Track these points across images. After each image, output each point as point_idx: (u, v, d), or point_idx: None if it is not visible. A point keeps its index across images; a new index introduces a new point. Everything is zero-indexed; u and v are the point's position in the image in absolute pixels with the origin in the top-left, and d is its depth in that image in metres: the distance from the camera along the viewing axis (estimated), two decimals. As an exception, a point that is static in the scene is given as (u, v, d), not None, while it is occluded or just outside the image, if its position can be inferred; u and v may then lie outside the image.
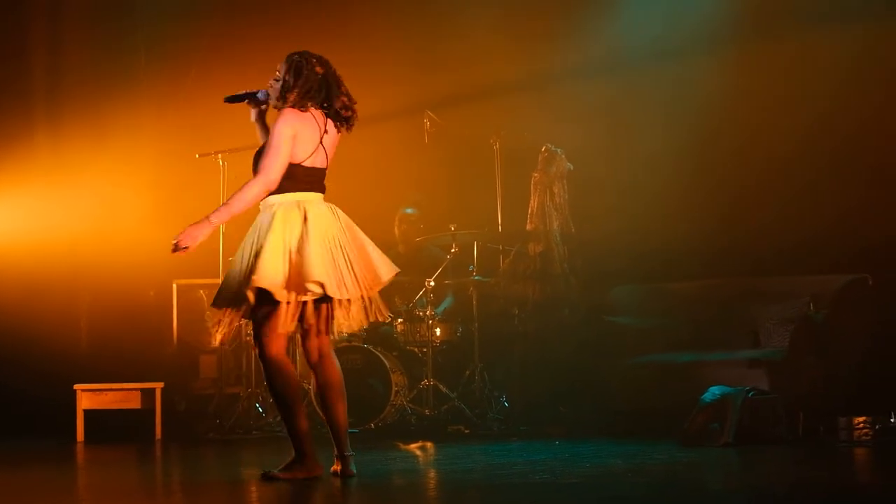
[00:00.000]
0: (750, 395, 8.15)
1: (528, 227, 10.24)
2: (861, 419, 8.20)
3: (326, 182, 6.82)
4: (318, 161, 6.74)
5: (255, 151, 6.79)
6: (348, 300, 6.66)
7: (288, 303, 6.52)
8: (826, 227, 9.92)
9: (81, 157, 11.49)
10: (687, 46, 10.54)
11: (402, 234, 10.88)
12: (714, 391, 8.27)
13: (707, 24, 10.51)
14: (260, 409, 10.24)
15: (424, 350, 10.10)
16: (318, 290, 6.52)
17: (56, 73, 11.85)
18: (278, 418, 10.05)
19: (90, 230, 11.33)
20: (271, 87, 6.82)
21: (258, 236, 6.60)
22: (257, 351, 6.64)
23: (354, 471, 6.76)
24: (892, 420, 8.21)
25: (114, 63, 11.67)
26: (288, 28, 11.23)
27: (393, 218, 10.96)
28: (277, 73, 6.82)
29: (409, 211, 10.93)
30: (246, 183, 6.63)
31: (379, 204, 10.97)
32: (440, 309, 10.29)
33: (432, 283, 10.10)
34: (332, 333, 6.80)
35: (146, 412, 10.17)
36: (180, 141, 11.06)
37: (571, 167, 10.24)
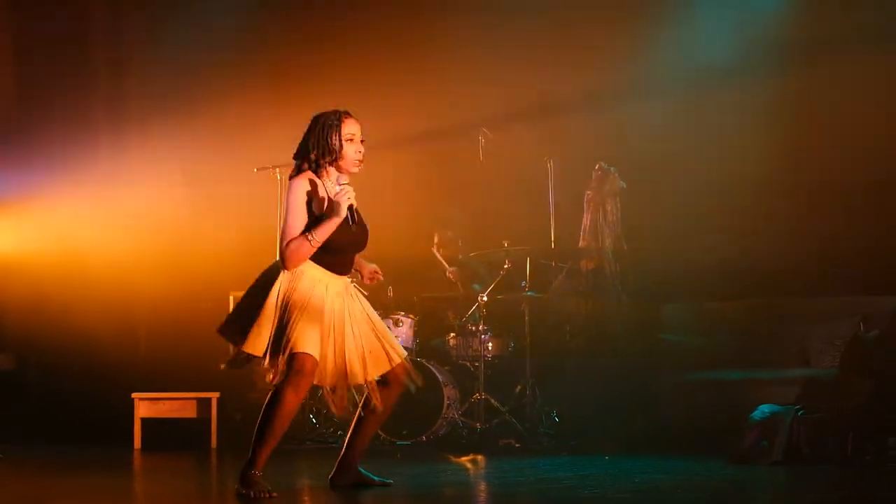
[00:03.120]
0: (799, 413, 8.16)
1: (581, 244, 10.29)
2: (911, 439, 8.20)
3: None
4: None
5: None
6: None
7: None
8: (877, 248, 9.93)
9: (141, 170, 11.65)
10: (741, 68, 10.56)
11: (446, 258, 10.91)
12: (764, 409, 8.29)
13: (763, 46, 10.54)
14: (314, 420, 10.34)
15: (476, 364, 10.16)
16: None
17: (118, 89, 12.03)
18: (332, 430, 10.17)
19: (149, 242, 11.47)
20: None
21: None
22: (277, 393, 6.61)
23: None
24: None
25: (173, 77, 11.81)
26: (342, 49, 11.34)
27: (444, 234, 11.01)
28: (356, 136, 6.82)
29: (446, 234, 10.98)
30: None
31: (433, 221, 11.06)
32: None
33: (485, 299, 10.16)
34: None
35: (202, 421, 10.29)
36: (238, 155, 11.17)
37: (624, 185, 10.28)
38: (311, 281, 6.56)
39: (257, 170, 10.52)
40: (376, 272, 7.07)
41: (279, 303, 6.53)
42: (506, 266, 10.26)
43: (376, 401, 6.79)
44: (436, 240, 10.99)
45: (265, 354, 6.54)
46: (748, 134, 10.48)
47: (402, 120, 11.33)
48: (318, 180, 6.65)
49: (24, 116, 11.97)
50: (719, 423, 8.85)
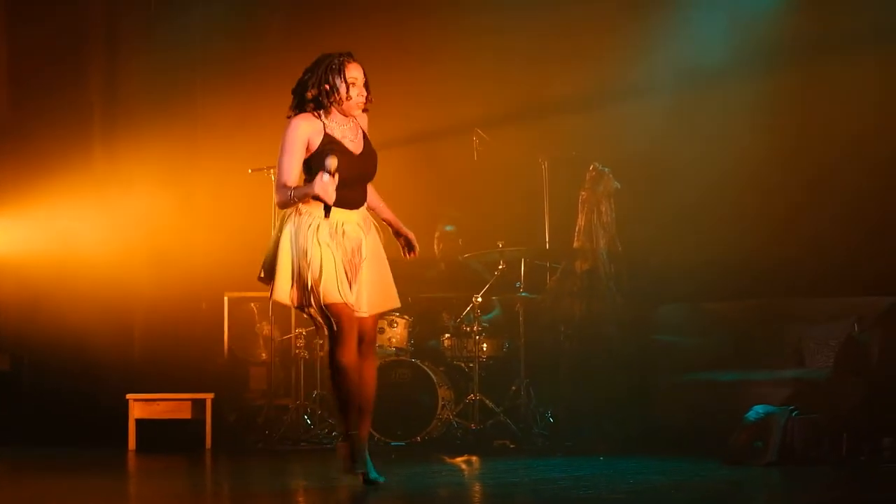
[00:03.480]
0: (794, 414, 8.17)
1: (575, 244, 10.29)
2: (905, 440, 8.22)
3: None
4: None
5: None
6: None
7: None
8: (871, 248, 9.95)
9: (136, 170, 11.64)
10: (735, 68, 10.58)
11: (443, 252, 10.94)
12: (758, 410, 8.29)
13: (757, 47, 10.55)
14: (308, 421, 10.34)
15: (471, 365, 10.16)
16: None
17: (112, 87, 12.02)
18: (326, 430, 10.18)
19: (144, 243, 11.48)
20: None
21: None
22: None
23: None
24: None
25: (169, 78, 11.81)
26: (338, 45, 11.32)
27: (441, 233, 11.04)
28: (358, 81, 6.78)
29: (448, 228, 11.00)
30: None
31: (427, 221, 11.07)
32: (489, 316, 10.37)
33: (479, 299, 10.17)
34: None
35: (197, 422, 10.29)
36: (233, 156, 11.17)
37: (619, 186, 10.28)
38: (316, 221, 6.56)
39: (252, 170, 10.52)
40: (412, 250, 7.13)
41: (292, 248, 6.56)
42: (500, 267, 10.26)
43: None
44: (437, 234, 11.00)
45: (298, 304, 6.61)
46: (742, 134, 10.49)
47: (395, 120, 11.32)
48: (319, 119, 6.65)
49: (18, 116, 11.96)
50: (714, 423, 8.86)
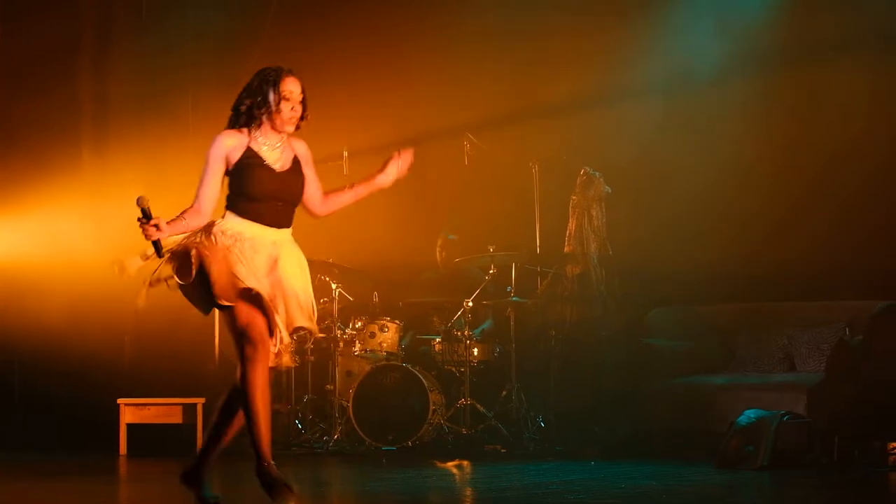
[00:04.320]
0: (785, 418, 8.18)
1: (566, 249, 10.32)
2: (896, 444, 8.23)
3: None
4: None
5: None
6: None
7: None
8: (862, 253, 9.97)
9: (126, 173, 11.63)
10: (727, 72, 10.60)
11: (444, 260, 10.94)
12: (749, 414, 8.30)
13: (748, 50, 10.57)
14: (299, 426, 10.33)
15: (462, 370, 10.17)
16: None
17: (102, 90, 12.02)
18: (318, 435, 10.17)
19: (134, 246, 11.44)
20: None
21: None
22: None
23: None
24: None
25: (159, 82, 11.81)
26: (330, 51, 11.34)
27: (432, 240, 11.04)
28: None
29: (451, 237, 10.99)
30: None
31: (417, 226, 11.08)
32: (478, 331, 10.36)
33: (470, 304, 10.18)
34: None
35: (188, 427, 10.28)
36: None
37: (609, 190, 10.30)
38: (220, 232, 6.25)
39: None
40: (397, 161, 6.85)
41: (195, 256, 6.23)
42: (491, 271, 10.27)
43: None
44: (440, 242, 11.00)
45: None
46: (733, 139, 10.52)
47: (386, 124, 11.34)
48: (245, 135, 6.34)
49: (8, 119, 11.95)
50: (705, 427, 8.87)
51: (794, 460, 8.09)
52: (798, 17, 10.54)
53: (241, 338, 6.09)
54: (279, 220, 6.34)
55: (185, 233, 6.25)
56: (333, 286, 10.27)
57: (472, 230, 11.03)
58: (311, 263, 9.62)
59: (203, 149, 10.78)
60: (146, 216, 6.16)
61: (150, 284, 6.48)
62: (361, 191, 6.69)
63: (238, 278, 6.10)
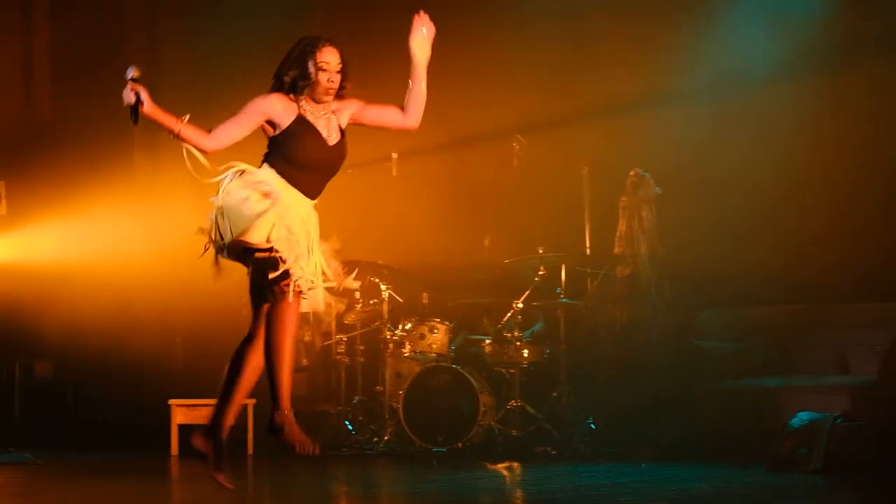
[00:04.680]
0: (838, 421, 8.12)
1: (616, 250, 10.28)
2: (951, 447, 8.16)
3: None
4: None
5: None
6: None
7: None
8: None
9: (177, 177, 11.67)
10: (779, 71, 10.54)
11: (491, 262, 10.93)
12: (802, 416, 8.25)
13: (802, 50, 10.50)
14: (349, 427, 10.35)
15: (512, 371, 10.16)
16: None
17: (153, 95, 12.05)
18: (367, 436, 10.19)
19: (185, 248, 11.50)
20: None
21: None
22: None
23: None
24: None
25: (208, 86, 11.86)
26: (375, 57, 11.35)
27: (481, 240, 11.04)
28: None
29: (500, 236, 10.99)
30: None
31: (467, 227, 11.08)
32: (529, 332, 10.34)
33: (520, 305, 10.17)
34: None
35: (238, 428, 10.29)
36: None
37: (659, 191, 10.26)
38: (263, 184, 6.26)
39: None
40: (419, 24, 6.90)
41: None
42: (540, 272, 10.25)
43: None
44: (487, 242, 11.00)
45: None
46: (785, 139, 10.45)
47: (435, 126, 11.32)
48: (291, 101, 6.38)
49: (60, 124, 12.06)
50: (757, 430, 8.82)
51: (847, 463, 8.02)
52: (849, 15, 10.47)
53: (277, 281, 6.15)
54: (315, 190, 6.39)
55: (168, 127, 6.35)
56: (383, 288, 10.28)
57: (521, 231, 11.02)
58: (360, 265, 9.78)
59: (253, 150, 10.86)
60: (134, 80, 6.21)
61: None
62: (416, 74, 6.78)
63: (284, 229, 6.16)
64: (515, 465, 9.03)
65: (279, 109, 6.35)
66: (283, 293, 6.17)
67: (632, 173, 10.29)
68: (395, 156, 10.58)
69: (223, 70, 11.86)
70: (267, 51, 11.67)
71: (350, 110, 6.52)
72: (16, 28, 12.23)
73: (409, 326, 10.33)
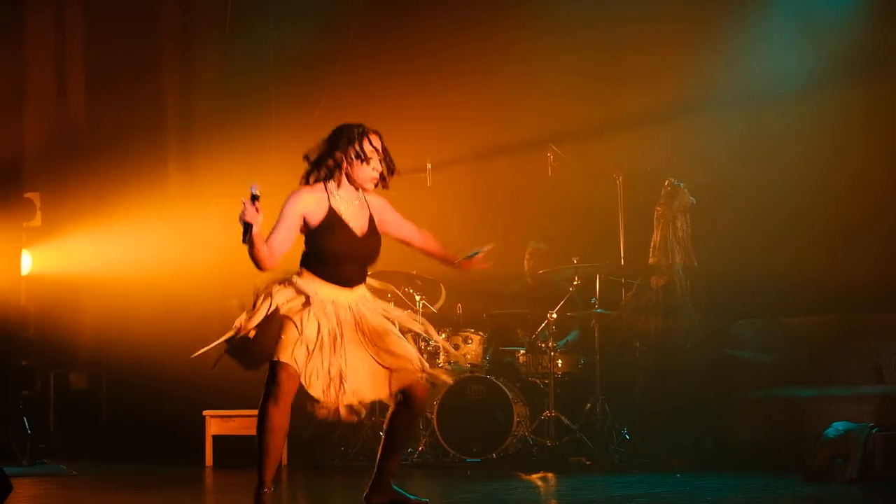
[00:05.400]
0: (874, 430, 8.08)
1: (651, 260, 10.26)
2: None
3: None
4: None
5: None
6: None
7: None
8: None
9: (211, 188, 11.73)
10: (811, 79, 10.51)
11: (531, 269, 10.94)
12: (837, 426, 8.21)
13: (835, 57, 10.46)
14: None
15: (546, 381, 10.15)
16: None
17: (187, 106, 12.15)
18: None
19: (220, 259, 11.55)
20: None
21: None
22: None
23: None
24: None
25: (243, 97, 11.91)
26: (413, 66, 11.38)
27: (515, 251, 11.03)
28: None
29: (540, 246, 10.98)
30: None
31: (501, 237, 11.05)
32: (563, 342, 10.33)
33: (555, 316, 10.16)
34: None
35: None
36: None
37: (694, 201, 10.24)
38: (297, 290, 6.35)
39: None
40: (481, 261, 6.94)
41: (267, 311, 6.42)
42: (575, 283, 10.25)
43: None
44: (528, 250, 11.00)
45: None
46: (818, 148, 10.42)
47: (468, 137, 11.37)
48: (322, 192, 6.42)
49: (95, 135, 12.12)
50: (792, 440, 8.79)
51: (883, 473, 7.98)
52: (881, 23, 10.43)
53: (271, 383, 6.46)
54: (355, 280, 6.47)
55: (255, 251, 6.29)
56: (417, 298, 10.29)
57: (556, 241, 11.01)
58: (394, 275, 9.80)
59: (286, 163, 10.88)
60: (253, 199, 6.22)
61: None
62: (449, 261, 6.92)
63: (303, 345, 6.31)
64: (550, 475, 9.01)
65: (311, 205, 6.39)
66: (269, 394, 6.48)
67: (666, 183, 10.27)
68: (429, 166, 10.60)
69: (256, 80, 11.90)
70: (298, 63, 11.83)
71: (378, 205, 6.60)
72: (50, 38, 12.30)
73: (443, 337, 10.32)
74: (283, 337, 6.34)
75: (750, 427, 9.47)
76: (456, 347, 10.22)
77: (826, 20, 10.65)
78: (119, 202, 11.67)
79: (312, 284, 6.34)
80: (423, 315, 10.37)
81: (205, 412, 10.36)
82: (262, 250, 6.25)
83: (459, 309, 10.53)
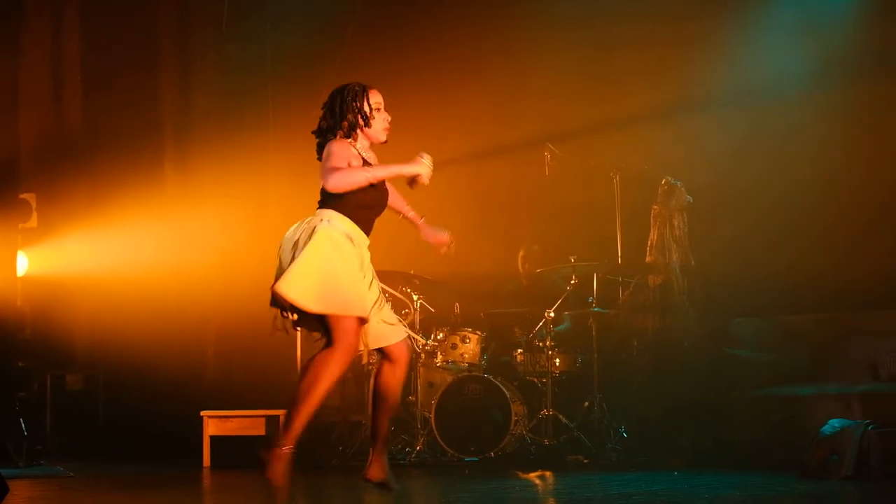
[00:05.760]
0: (870, 428, 8.08)
1: (648, 259, 10.27)
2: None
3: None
4: None
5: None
6: None
7: None
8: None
9: (208, 188, 11.73)
10: (810, 79, 10.52)
11: (527, 271, 10.96)
12: (833, 424, 8.21)
13: (834, 58, 10.47)
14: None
15: (544, 380, 10.15)
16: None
17: (184, 106, 12.16)
18: (400, 446, 10.18)
19: (216, 259, 11.56)
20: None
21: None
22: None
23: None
24: None
25: (240, 97, 11.91)
26: (410, 65, 11.38)
27: (513, 251, 11.04)
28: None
29: (533, 248, 11.01)
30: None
31: (498, 237, 11.07)
32: (558, 328, 10.33)
33: (552, 315, 10.16)
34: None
35: (271, 439, 10.31)
36: (304, 172, 11.21)
37: (691, 200, 10.24)
38: (346, 234, 6.58)
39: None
40: (448, 244, 7.16)
41: (325, 252, 6.55)
42: (572, 282, 10.25)
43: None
44: (521, 253, 11.02)
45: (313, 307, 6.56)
46: (815, 148, 10.43)
47: (465, 135, 11.37)
48: (352, 145, 6.70)
49: (91, 135, 12.12)
50: (789, 438, 8.79)
51: (879, 470, 7.98)
52: (882, 23, 10.44)
53: (340, 341, 6.44)
54: (371, 227, 6.77)
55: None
56: (415, 297, 10.28)
57: (553, 240, 11.02)
58: (392, 275, 9.82)
59: (284, 162, 10.93)
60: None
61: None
62: (409, 217, 7.14)
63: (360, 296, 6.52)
64: (548, 474, 9.01)
65: (355, 154, 6.65)
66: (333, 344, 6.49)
67: (663, 182, 10.28)
68: (427, 166, 10.60)
69: (253, 79, 11.90)
70: (296, 63, 11.83)
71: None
72: (46, 39, 12.30)
73: (440, 336, 10.32)
74: (354, 290, 6.50)
75: (749, 425, 9.49)
76: (454, 347, 10.23)
77: (826, 19, 10.65)
78: (115, 203, 11.66)
79: (348, 227, 6.60)
80: (422, 315, 10.38)
81: (202, 412, 10.35)
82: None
83: (457, 308, 10.53)
